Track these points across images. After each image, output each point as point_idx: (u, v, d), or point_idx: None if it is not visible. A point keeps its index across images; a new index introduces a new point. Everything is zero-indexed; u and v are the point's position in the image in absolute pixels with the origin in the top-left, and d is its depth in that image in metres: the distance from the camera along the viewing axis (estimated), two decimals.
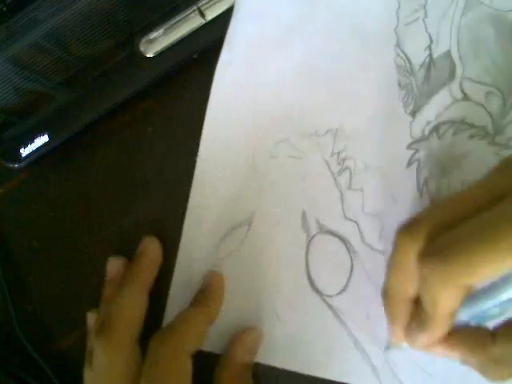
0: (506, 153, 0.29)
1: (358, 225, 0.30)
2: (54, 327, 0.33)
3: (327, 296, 0.30)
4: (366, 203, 0.30)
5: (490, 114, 0.29)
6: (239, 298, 0.30)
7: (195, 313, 0.29)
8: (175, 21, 0.32)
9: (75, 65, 0.33)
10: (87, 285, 0.33)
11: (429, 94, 0.30)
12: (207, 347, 0.29)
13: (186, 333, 0.27)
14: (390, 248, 0.28)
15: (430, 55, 0.30)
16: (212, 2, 0.32)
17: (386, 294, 0.26)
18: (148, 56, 0.32)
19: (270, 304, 0.30)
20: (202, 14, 0.32)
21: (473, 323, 0.24)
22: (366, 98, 0.31)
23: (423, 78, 0.30)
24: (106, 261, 0.33)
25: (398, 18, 0.31)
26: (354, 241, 0.30)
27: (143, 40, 0.32)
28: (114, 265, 0.32)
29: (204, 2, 0.32)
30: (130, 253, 0.32)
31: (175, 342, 0.26)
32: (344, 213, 0.30)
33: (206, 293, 0.30)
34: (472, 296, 0.23)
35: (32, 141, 0.33)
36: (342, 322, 0.29)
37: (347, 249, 0.30)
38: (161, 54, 0.32)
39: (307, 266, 0.30)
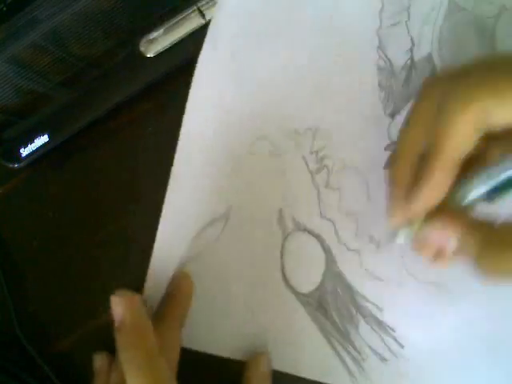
0: None
1: (334, 224, 0.30)
2: (54, 327, 0.33)
3: (301, 294, 0.30)
4: (342, 203, 0.30)
5: None
6: (214, 293, 0.30)
7: (165, 317, 0.28)
8: (175, 21, 0.32)
9: (75, 65, 0.33)
10: (87, 285, 0.33)
11: (409, 97, 0.30)
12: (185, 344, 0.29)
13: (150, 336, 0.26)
14: (365, 248, 0.29)
15: (412, 58, 0.31)
16: (212, 3, 0.33)
17: (396, 153, 0.25)
18: (148, 56, 0.32)
19: (245, 300, 0.30)
20: (202, 14, 0.33)
21: (481, 204, 0.24)
22: (347, 99, 0.31)
23: (404, 81, 0.31)
24: (106, 261, 0.33)
25: (380, 20, 0.31)
26: (330, 240, 0.30)
27: (143, 40, 0.32)
28: (101, 360, 0.30)
29: (204, 2, 0.33)
30: (129, 252, 0.32)
31: (143, 343, 0.25)
32: (320, 211, 0.30)
33: (176, 298, 0.29)
34: (480, 173, 0.23)
35: (32, 141, 0.33)
36: (315, 320, 0.29)
37: (322, 247, 0.30)
38: (161, 54, 0.32)
39: (282, 263, 0.30)
